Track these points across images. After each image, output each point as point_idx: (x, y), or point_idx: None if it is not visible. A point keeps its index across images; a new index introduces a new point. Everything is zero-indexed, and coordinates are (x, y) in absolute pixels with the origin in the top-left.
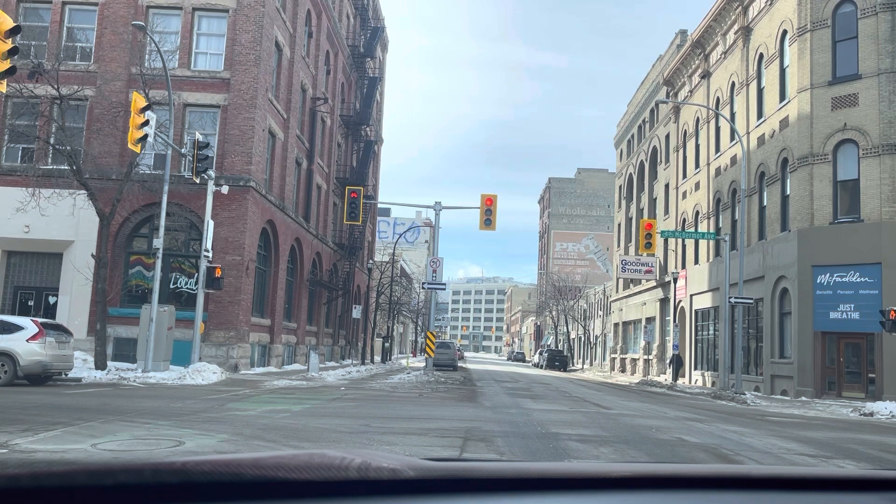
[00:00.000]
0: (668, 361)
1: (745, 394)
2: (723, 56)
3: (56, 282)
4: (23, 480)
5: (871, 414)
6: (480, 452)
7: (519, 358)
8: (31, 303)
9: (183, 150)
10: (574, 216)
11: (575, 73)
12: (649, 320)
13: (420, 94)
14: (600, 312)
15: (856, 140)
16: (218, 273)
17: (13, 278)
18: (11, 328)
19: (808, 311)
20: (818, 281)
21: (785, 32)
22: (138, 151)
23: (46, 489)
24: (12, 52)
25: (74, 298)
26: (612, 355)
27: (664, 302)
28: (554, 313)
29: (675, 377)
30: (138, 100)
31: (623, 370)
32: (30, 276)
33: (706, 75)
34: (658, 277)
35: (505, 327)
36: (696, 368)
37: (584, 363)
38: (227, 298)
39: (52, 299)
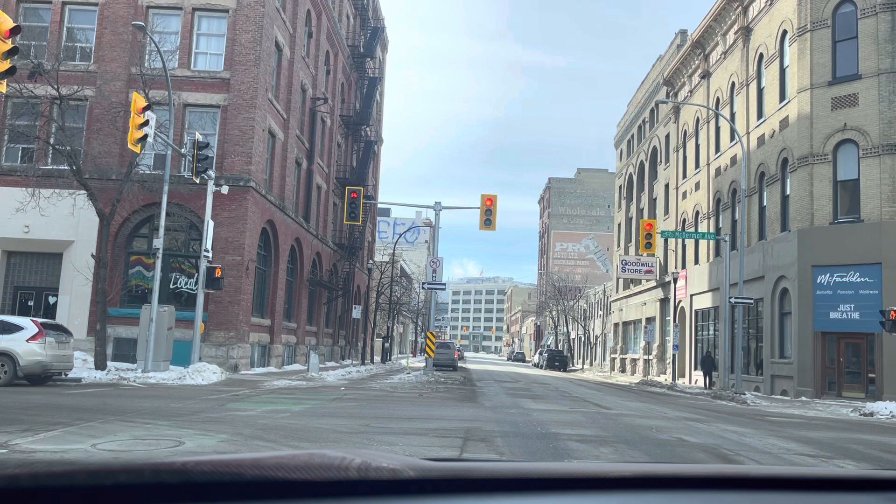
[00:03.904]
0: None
1: (745, 394)
2: (723, 56)
3: (56, 282)
4: (23, 480)
5: (871, 414)
6: (480, 452)
7: (519, 358)
8: (31, 303)
9: (183, 150)
10: (574, 216)
11: (575, 73)
12: (649, 320)
13: (420, 93)
14: (600, 312)
15: (856, 140)
16: (218, 273)
17: (13, 278)
18: (11, 328)
19: (808, 311)
20: (818, 281)
21: (785, 32)
22: (138, 151)
23: (46, 489)
24: (12, 52)
25: (74, 298)
26: (612, 355)
27: (664, 302)
28: (554, 313)
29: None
30: (138, 100)
31: (623, 370)
32: (30, 276)
33: (706, 75)
34: (658, 277)
35: (505, 327)
36: (696, 368)
37: (584, 363)
38: (227, 298)
39: (52, 299)
